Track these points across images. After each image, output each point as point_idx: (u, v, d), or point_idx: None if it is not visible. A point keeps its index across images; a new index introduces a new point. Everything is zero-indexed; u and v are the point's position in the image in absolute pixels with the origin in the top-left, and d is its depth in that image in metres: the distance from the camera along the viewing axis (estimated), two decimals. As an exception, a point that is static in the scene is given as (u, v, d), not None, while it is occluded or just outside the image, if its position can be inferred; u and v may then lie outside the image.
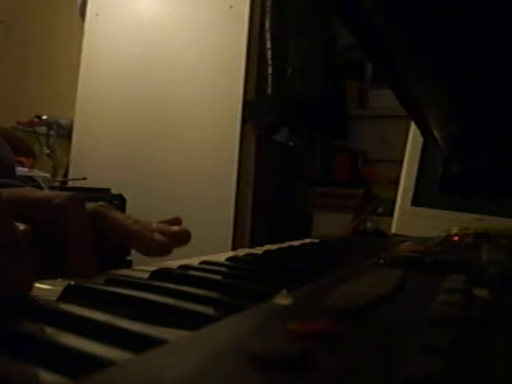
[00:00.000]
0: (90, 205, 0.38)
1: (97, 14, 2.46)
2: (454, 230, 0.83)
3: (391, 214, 1.18)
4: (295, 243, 0.65)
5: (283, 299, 0.24)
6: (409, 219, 1.12)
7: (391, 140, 2.30)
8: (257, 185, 2.29)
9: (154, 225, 0.40)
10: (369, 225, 2.24)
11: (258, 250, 0.53)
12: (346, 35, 2.19)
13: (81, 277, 0.33)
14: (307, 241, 0.72)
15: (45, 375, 0.16)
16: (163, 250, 0.38)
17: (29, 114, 2.47)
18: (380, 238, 0.86)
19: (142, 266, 0.38)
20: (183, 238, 0.41)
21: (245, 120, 2.23)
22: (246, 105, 2.22)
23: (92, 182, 2.13)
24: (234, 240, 2.19)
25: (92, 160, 2.38)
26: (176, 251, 0.40)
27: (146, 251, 0.38)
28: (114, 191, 1.96)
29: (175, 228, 0.41)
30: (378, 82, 2.45)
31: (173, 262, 0.40)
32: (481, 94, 0.46)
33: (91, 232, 0.36)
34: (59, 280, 0.31)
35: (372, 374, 0.14)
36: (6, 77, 2.65)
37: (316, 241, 0.73)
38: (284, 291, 0.25)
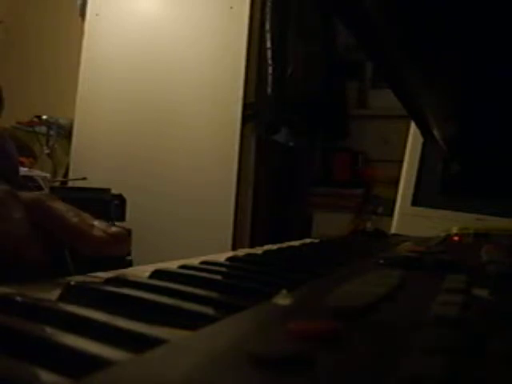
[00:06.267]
0: (29, 194, 0.36)
1: (97, 14, 2.46)
2: (454, 230, 0.83)
3: (391, 214, 1.18)
4: (295, 243, 0.65)
5: (283, 299, 0.24)
6: (409, 219, 1.12)
7: (391, 140, 2.30)
8: (257, 185, 2.29)
9: (97, 222, 0.37)
10: (369, 225, 2.24)
11: (258, 250, 0.53)
12: (346, 35, 2.19)
13: (35, 270, 0.32)
14: (307, 241, 0.72)
15: (45, 375, 0.16)
16: (102, 248, 0.35)
17: (29, 114, 2.47)
18: (380, 238, 0.86)
19: (142, 266, 0.38)
20: (123, 240, 0.37)
21: (245, 120, 2.23)
22: (246, 105, 2.22)
23: (92, 182, 2.13)
24: (233, 240, 2.19)
25: (92, 160, 2.38)
26: (176, 251, 0.39)
27: (83, 247, 0.35)
28: (114, 191, 1.96)
29: (114, 228, 0.37)
30: (378, 82, 2.45)
31: (173, 262, 0.39)
32: (481, 93, 0.46)
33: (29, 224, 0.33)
34: (59, 280, 0.31)
35: (372, 374, 0.14)
36: (6, 77, 2.65)
37: (316, 241, 0.73)
38: (284, 291, 0.25)
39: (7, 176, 0.66)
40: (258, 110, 2.26)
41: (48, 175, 2.11)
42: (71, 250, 0.38)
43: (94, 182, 2.12)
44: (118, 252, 0.36)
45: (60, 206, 0.36)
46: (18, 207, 0.34)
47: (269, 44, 2.23)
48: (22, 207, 0.34)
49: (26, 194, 0.36)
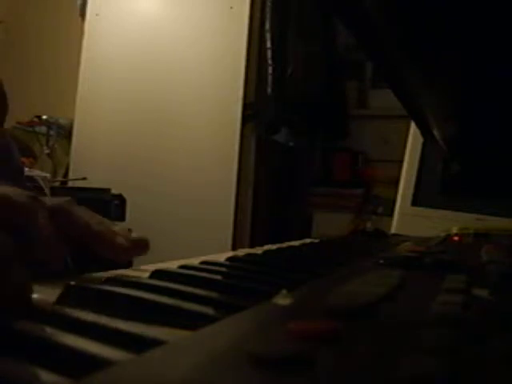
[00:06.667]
0: (53, 200, 0.37)
1: (97, 14, 2.46)
2: (454, 230, 0.83)
3: (391, 214, 1.18)
4: (295, 243, 0.65)
5: (283, 299, 0.24)
6: (409, 219, 1.12)
7: (391, 140, 2.30)
8: (257, 185, 2.29)
9: (118, 228, 0.39)
10: (369, 225, 2.24)
11: (258, 250, 0.53)
12: (346, 35, 2.19)
13: (51, 270, 0.32)
14: (307, 241, 0.72)
15: (45, 375, 0.16)
16: (123, 254, 0.37)
17: (29, 114, 2.47)
18: (380, 238, 0.86)
19: (142, 266, 0.38)
20: (143, 246, 0.40)
21: (245, 120, 2.23)
22: (246, 105, 2.22)
23: (92, 182, 2.13)
24: (233, 240, 2.19)
25: (92, 160, 2.38)
26: (176, 251, 0.40)
27: (106, 252, 0.37)
28: (114, 191, 1.96)
29: (135, 236, 0.40)
30: (378, 82, 2.45)
31: (173, 262, 0.39)
32: (481, 93, 0.46)
33: (54, 227, 0.34)
34: (59, 280, 0.31)
35: (372, 373, 0.14)
36: (6, 77, 2.65)
37: (316, 241, 0.73)
38: (284, 291, 0.25)
39: (12, 176, 0.67)
40: (258, 109, 2.26)
41: (48, 175, 2.10)
42: (92, 253, 0.39)
43: (94, 182, 2.12)
44: (137, 256, 0.39)
45: (83, 213, 0.37)
46: (43, 212, 0.34)
47: (269, 44, 2.23)
48: (46, 213, 0.34)
49: (49, 200, 0.37)
